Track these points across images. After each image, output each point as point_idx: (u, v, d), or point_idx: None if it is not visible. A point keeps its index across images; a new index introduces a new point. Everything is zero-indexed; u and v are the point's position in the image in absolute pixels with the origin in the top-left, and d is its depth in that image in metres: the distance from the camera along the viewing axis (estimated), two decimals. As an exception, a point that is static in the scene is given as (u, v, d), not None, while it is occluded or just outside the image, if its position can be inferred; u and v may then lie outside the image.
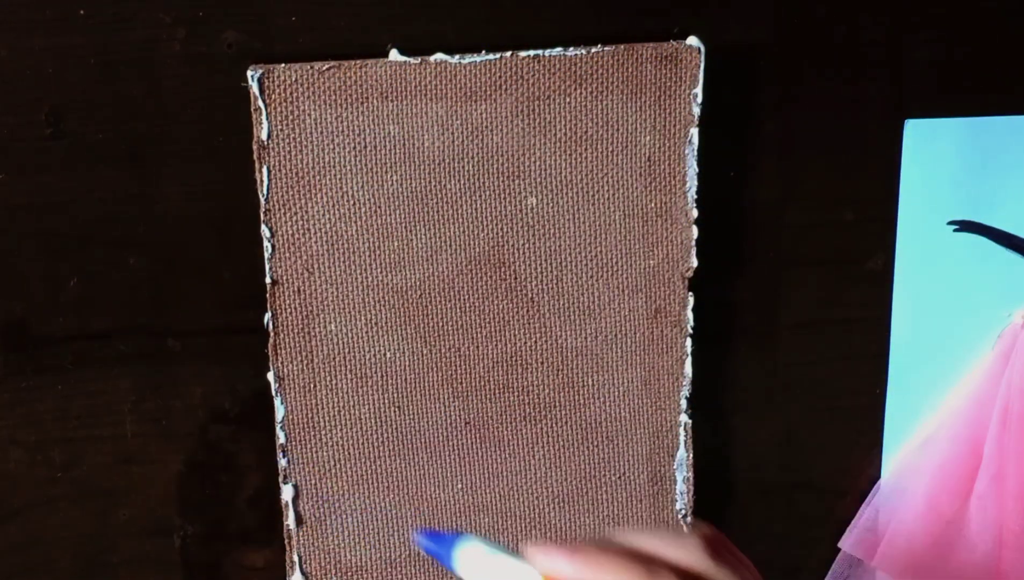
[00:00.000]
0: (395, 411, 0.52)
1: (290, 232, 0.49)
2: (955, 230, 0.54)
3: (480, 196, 0.50)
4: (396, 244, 0.50)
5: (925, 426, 0.57)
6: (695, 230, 0.51)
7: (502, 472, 0.53)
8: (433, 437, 0.52)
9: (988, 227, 0.54)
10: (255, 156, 0.48)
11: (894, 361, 0.56)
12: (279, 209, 0.49)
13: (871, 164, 0.53)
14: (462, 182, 0.49)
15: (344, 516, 0.53)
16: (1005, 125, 0.53)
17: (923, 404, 0.57)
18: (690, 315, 0.52)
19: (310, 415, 0.51)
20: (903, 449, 0.57)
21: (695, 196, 0.51)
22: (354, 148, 0.48)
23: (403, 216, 0.49)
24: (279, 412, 0.51)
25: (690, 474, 0.54)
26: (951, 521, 0.56)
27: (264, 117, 0.47)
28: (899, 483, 0.57)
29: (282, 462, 0.52)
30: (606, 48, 0.49)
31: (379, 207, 0.49)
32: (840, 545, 0.58)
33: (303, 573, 0.53)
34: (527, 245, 0.51)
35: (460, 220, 0.50)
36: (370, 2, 0.48)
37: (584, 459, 0.54)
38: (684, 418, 0.54)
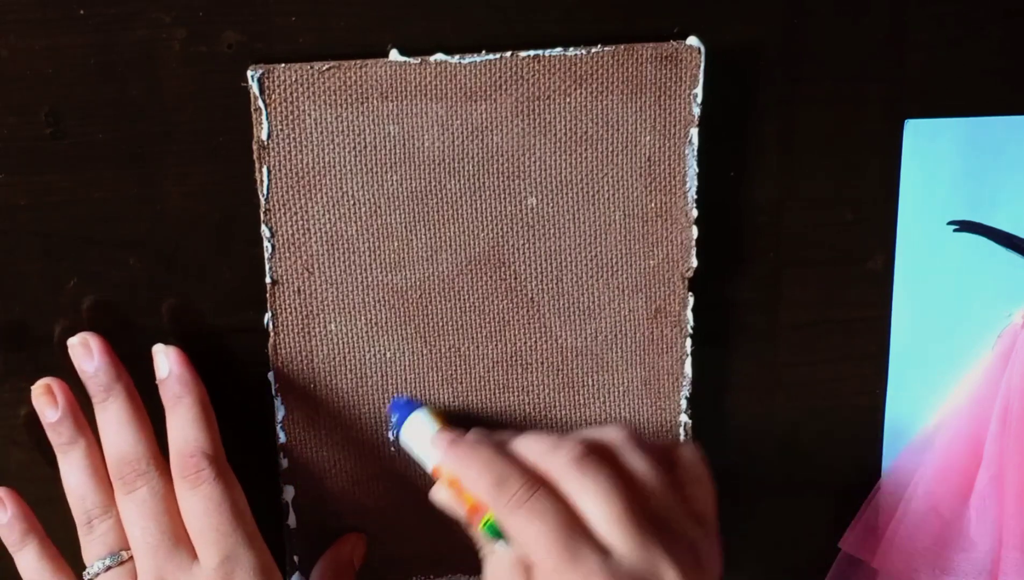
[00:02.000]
0: (395, 411, 0.52)
1: (290, 232, 0.49)
2: (955, 230, 0.54)
3: (480, 196, 0.50)
4: (396, 244, 0.50)
5: (925, 426, 0.57)
6: (695, 230, 0.51)
7: (502, 472, 0.53)
8: (433, 437, 0.52)
9: (988, 227, 0.54)
10: (255, 156, 0.48)
11: (894, 361, 0.56)
12: (279, 209, 0.49)
13: (871, 164, 0.53)
14: (462, 182, 0.49)
15: (344, 516, 0.53)
16: (1005, 125, 0.53)
17: (923, 404, 0.57)
18: (690, 315, 0.52)
19: (310, 415, 0.51)
20: (903, 449, 0.57)
21: (695, 196, 0.51)
22: (354, 148, 0.48)
23: (403, 216, 0.49)
24: (279, 412, 0.51)
25: (690, 474, 0.54)
26: (951, 521, 0.56)
27: (264, 117, 0.48)
28: (899, 483, 0.57)
29: (282, 462, 0.52)
30: (606, 48, 0.49)
31: (379, 207, 0.49)
32: (840, 545, 0.58)
33: (303, 573, 0.53)
34: (527, 245, 0.51)
35: (460, 220, 0.50)
36: (370, 2, 0.48)
37: (584, 459, 0.54)
38: (684, 418, 0.54)
